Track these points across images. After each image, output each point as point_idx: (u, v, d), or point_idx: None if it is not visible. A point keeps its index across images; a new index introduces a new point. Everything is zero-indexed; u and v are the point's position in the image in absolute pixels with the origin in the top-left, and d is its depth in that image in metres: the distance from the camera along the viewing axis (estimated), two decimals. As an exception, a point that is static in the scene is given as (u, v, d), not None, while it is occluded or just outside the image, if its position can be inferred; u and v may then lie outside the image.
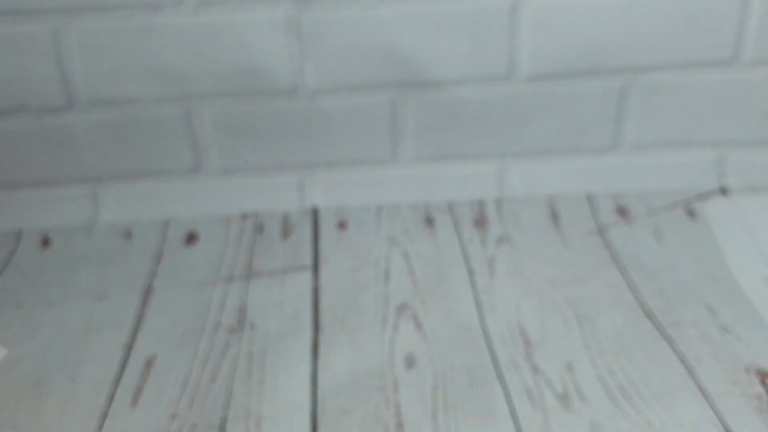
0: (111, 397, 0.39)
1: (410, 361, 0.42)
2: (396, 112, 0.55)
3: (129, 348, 0.43)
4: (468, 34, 0.52)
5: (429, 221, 0.55)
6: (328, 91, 0.54)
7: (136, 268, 0.50)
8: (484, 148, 0.57)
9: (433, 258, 0.51)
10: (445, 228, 0.54)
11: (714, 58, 0.54)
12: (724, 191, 0.57)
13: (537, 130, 0.56)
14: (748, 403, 0.37)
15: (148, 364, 0.41)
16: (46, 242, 0.54)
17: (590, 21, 0.52)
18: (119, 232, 0.55)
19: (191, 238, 0.54)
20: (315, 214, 0.56)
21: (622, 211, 0.55)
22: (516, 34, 0.52)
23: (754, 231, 0.52)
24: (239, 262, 0.51)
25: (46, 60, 0.51)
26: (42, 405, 0.39)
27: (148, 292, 0.48)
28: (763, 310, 0.44)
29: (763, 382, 0.39)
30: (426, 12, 0.51)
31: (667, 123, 0.57)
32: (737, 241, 0.51)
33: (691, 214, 0.55)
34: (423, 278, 0.49)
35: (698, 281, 0.47)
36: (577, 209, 0.56)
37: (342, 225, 0.55)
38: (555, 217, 0.55)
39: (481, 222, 0.55)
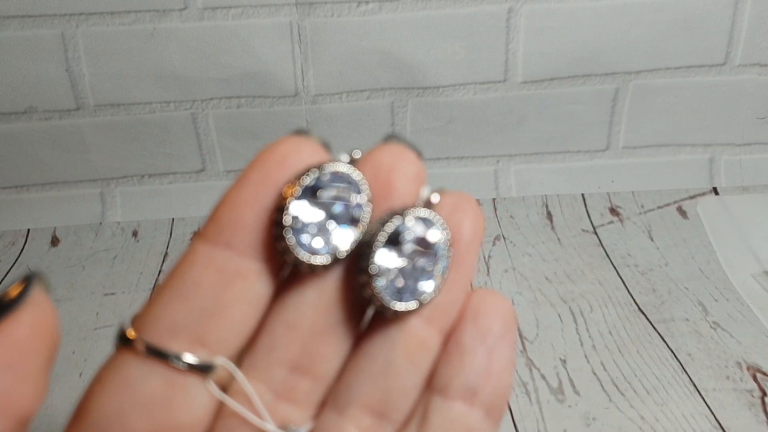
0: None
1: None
2: (395, 115, 0.55)
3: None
4: (465, 40, 0.52)
5: (428, 221, 0.55)
6: (329, 95, 0.54)
7: (143, 266, 0.51)
8: (480, 150, 0.57)
9: (431, 256, 0.51)
10: (443, 227, 0.54)
11: (706, 61, 0.54)
12: (715, 191, 0.57)
13: (532, 132, 0.56)
14: (740, 397, 0.38)
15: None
16: (54, 241, 0.54)
17: (583, 26, 0.52)
18: (126, 232, 0.55)
19: (196, 238, 0.54)
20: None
21: (615, 211, 0.55)
22: (511, 40, 0.53)
23: (744, 229, 0.52)
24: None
25: (55, 63, 0.51)
26: (50, 400, 0.39)
27: (154, 289, 0.48)
28: (754, 307, 0.44)
29: (754, 377, 0.39)
30: (425, 18, 0.51)
31: (660, 125, 0.57)
32: (728, 239, 0.51)
33: (683, 213, 0.55)
34: (422, 276, 0.49)
35: (690, 278, 0.47)
36: (571, 209, 0.56)
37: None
38: (549, 216, 0.55)
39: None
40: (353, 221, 0.16)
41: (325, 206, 0.16)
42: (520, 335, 0.43)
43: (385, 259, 0.16)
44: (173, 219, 0.56)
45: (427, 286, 0.17)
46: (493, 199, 0.57)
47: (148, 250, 0.53)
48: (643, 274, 0.48)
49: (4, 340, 0.14)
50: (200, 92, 0.53)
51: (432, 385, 0.17)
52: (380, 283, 0.16)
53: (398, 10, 0.51)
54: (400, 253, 0.16)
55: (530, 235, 0.53)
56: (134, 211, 0.56)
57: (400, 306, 0.16)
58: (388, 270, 0.16)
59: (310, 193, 0.16)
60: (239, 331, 0.17)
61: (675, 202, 0.55)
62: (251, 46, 0.52)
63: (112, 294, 0.48)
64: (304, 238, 0.16)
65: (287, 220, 0.16)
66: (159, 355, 0.15)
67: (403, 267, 0.16)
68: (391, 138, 0.18)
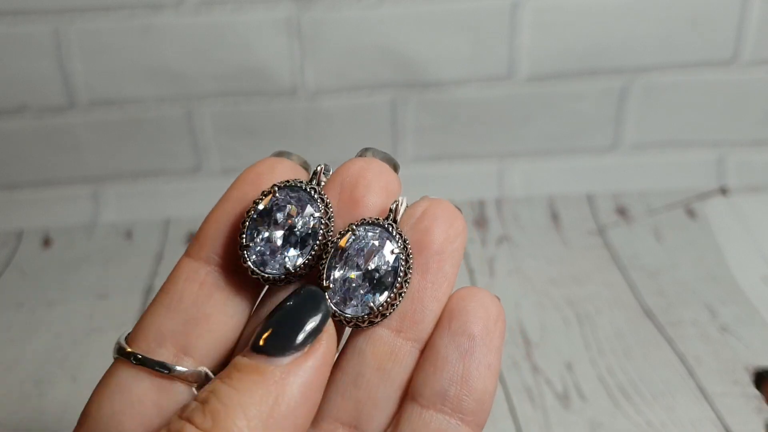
0: (112, 397, 0.39)
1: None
2: (396, 112, 0.55)
3: (130, 348, 0.43)
4: (468, 35, 0.52)
5: (429, 221, 0.55)
6: (328, 92, 0.54)
7: (137, 268, 0.50)
8: (484, 149, 0.57)
9: (433, 258, 0.51)
10: (445, 228, 0.54)
11: (714, 58, 0.54)
12: (723, 191, 0.56)
13: (537, 130, 0.56)
14: (748, 402, 0.37)
15: (149, 363, 0.41)
16: (47, 242, 0.54)
17: (590, 22, 0.52)
18: (120, 232, 0.55)
19: (192, 238, 0.54)
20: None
21: (621, 211, 0.55)
22: (516, 35, 0.52)
23: (753, 230, 0.52)
24: (240, 262, 0.51)
25: (47, 60, 0.51)
26: (43, 405, 0.39)
27: (149, 291, 0.48)
28: (763, 310, 0.44)
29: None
30: (427, 12, 0.51)
31: (667, 123, 0.56)
32: (737, 240, 0.51)
33: (691, 213, 0.54)
34: (423, 278, 0.48)
35: (698, 281, 0.47)
36: (576, 209, 0.55)
37: (342, 225, 0.55)
38: (555, 217, 0.55)
39: (481, 222, 0.55)
40: (310, 237, 0.17)
41: (281, 225, 0.17)
42: (525, 339, 0.43)
43: (335, 271, 0.17)
44: (168, 219, 0.55)
45: (378, 296, 0.17)
46: (497, 199, 0.57)
47: (142, 251, 0.52)
48: (650, 277, 0.48)
49: (330, 357, 0.15)
50: (196, 89, 0.53)
51: (407, 393, 0.18)
52: (331, 295, 0.17)
53: (400, 4, 0.51)
54: (349, 265, 0.17)
55: (535, 237, 0.52)
56: (128, 211, 0.56)
57: (351, 315, 0.17)
58: (338, 282, 0.17)
59: (265, 213, 0.17)
60: (221, 340, 0.18)
61: (683, 203, 0.55)
62: (248, 42, 0.51)
63: (106, 297, 0.48)
64: (259, 256, 0.17)
65: (243, 242, 0.17)
66: (146, 363, 0.17)
67: (352, 278, 0.17)
68: (365, 151, 0.19)
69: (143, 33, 0.51)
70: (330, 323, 0.16)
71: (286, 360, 0.15)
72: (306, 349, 0.15)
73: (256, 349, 0.15)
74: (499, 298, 0.18)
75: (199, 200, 0.56)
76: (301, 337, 0.15)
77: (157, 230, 0.54)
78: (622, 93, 0.55)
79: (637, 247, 0.51)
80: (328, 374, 0.16)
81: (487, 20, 0.51)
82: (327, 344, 0.16)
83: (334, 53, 0.52)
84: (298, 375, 0.15)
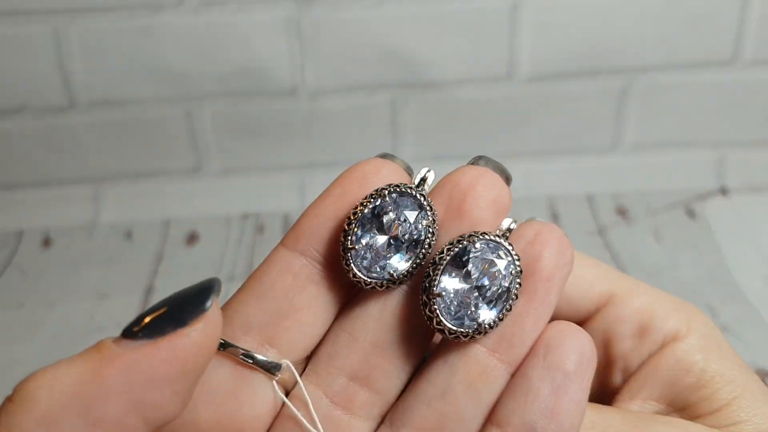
0: (112, 397, 0.38)
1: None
2: (396, 112, 0.55)
3: (130, 348, 0.43)
4: (468, 35, 0.52)
5: (429, 221, 0.55)
6: (328, 92, 0.53)
7: (137, 268, 0.50)
8: (484, 149, 0.57)
9: (433, 258, 0.51)
10: (445, 228, 0.54)
11: (714, 58, 0.54)
12: (724, 191, 0.56)
13: (537, 130, 0.56)
14: None
15: (149, 364, 0.41)
16: (47, 242, 0.53)
17: (590, 22, 0.52)
18: (120, 233, 0.54)
19: (192, 238, 0.53)
20: (315, 214, 0.55)
21: (621, 212, 0.55)
22: (516, 35, 0.52)
23: (754, 231, 0.52)
24: (240, 262, 0.51)
25: (47, 60, 0.51)
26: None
27: (149, 291, 0.48)
28: (763, 310, 0.44)
29: (763, 382, 0.39)
30: (426, 12, 0.51)
31: (667, 123, 0.56)
32: (737, 240, 0.51)
33: (691, 214, 0.54)
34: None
35: (698, 281, 0.47)
36: (577, 209, 0.55)
37: (342, 225, 0.55)
38: (555, 217, 0.55)
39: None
40: (415, 244, 0.17)
41: (387, 229, 0.17)
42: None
43: (446, 280, 0.17)
44: (168, 219, 0.55)
45: (488, 313, 0.17)
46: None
47: (142, 251, 0.52)
48: (650, 277, 0.48)
49: (173, 354, 0.14)
50: (196, 89, 0.53)
51: (492, 417, 0.17)
52: (439, 303, 0.17)
53: (399, 4, 0.51)
54: (463, 277, 0.17)
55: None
56: (128, 211, 0.56)
57: (456, 328, 0.17)
58: (449, 292, 0.17)
59: (373, 217, 0.17)
60: (308, 335, 0.17)
61: (683, 203, 0.55)
62: (248, 42, 0.51)
63: (106, 297, 0.48)
64: (363, 260, 0.17)
65: (348, 243, 0.17)
66: (229, 349, 0.16)
67: (465, 290, 0.17)
68: (478, 159, 0.19)
69: (143, 33, 0.51)
70: (208, 316, 0.14)
71: (134, 344, 0.14)
72: (161, 338, 0.14)
73: (126, 328, 0.14)
74: (592, 338, 0.18)
75: (199, 200, 0.56)
76: (165, 324, 0.14)
77: (157, 230, 0.54)
78: (622, 93, 0.55)
79: (638, 248, 0.51)
80: (180, 377, 0.14)
81: (487, 20, 0.51)
82: (187, 340, 0.14)
83: (334, 53, 0.52)
84: (131, 361, 0.14)
